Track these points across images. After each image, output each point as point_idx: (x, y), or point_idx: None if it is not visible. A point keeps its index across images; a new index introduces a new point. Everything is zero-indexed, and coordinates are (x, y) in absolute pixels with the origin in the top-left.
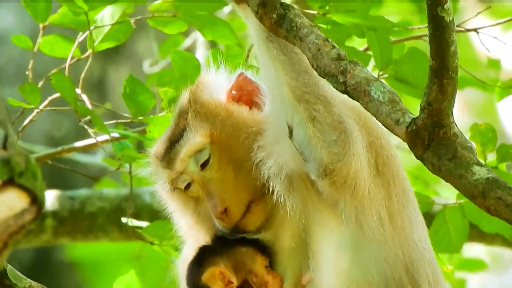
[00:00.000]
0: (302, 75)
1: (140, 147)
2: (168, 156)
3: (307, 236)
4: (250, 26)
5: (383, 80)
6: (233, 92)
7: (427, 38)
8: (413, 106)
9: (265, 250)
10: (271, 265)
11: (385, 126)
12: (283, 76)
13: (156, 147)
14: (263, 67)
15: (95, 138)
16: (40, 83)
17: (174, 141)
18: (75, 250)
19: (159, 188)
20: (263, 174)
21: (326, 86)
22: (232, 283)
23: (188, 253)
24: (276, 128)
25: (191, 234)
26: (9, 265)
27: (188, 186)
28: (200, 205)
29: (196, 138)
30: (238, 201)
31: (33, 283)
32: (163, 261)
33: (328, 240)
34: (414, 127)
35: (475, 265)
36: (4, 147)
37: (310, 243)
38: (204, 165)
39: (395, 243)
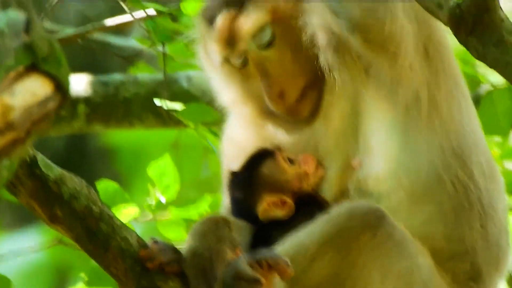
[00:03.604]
0: None
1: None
2: (225, 30)
3: (356, 118)
4: None
5: None
6: None
7: None
8: None
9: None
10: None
11: (427, 11)
12: None
13: (208, 11)
14: None
15: (130, 13)
16: None
17: (232, 12)
18: (109, 138)
19: (202, 55)
20: (315, 44)
21: None
22: (285, 202)
23: (230, 131)
24: None
25: (235, 110)
26: (40, 154)
27: (242, 64)
28: (249, 83)
29: (259, 13)
30: (294, 85)
31: (65, 172)
32: (200, 150)
33: (377, 122)
34: (457, 11)
35: None
36: (26, 31)
37: (360, 125)
38: (265, 45)
39: (441, 129)
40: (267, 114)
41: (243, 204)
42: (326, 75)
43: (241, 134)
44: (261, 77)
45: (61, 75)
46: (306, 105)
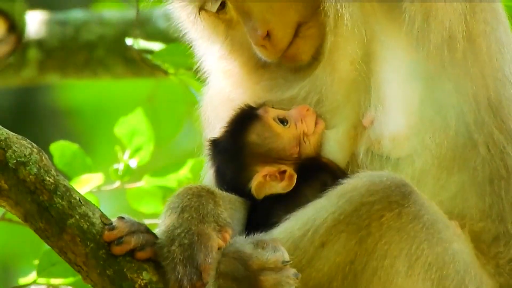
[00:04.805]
0: None
1: None
2: None
3: (368, 64)
4: None
5: None
6: None
7: None
8: None
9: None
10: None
11: None
12: None
13: None
14: None
15: None
16: None
17: None
18: (67, 91)
19: (178, 10)
20: None
21: None
22: (284, 172)
23: (213, 91)
24: None
25: (220, 68)
26: None
27: (220, 7)
28: (234, 30)
29: None
30: (284, 22)
31: (11, 134)
32: (181, 104)
33: (394, 67)
34: None
35: None
36: None
37: (372, 73)
38: None
39: (477, 73)
40: (258, 67)
41: (231, 180)
42: (327, 8)
43: (227, 94)
44: (243, 18)
45: (15, 12)
46: (303, 46)
